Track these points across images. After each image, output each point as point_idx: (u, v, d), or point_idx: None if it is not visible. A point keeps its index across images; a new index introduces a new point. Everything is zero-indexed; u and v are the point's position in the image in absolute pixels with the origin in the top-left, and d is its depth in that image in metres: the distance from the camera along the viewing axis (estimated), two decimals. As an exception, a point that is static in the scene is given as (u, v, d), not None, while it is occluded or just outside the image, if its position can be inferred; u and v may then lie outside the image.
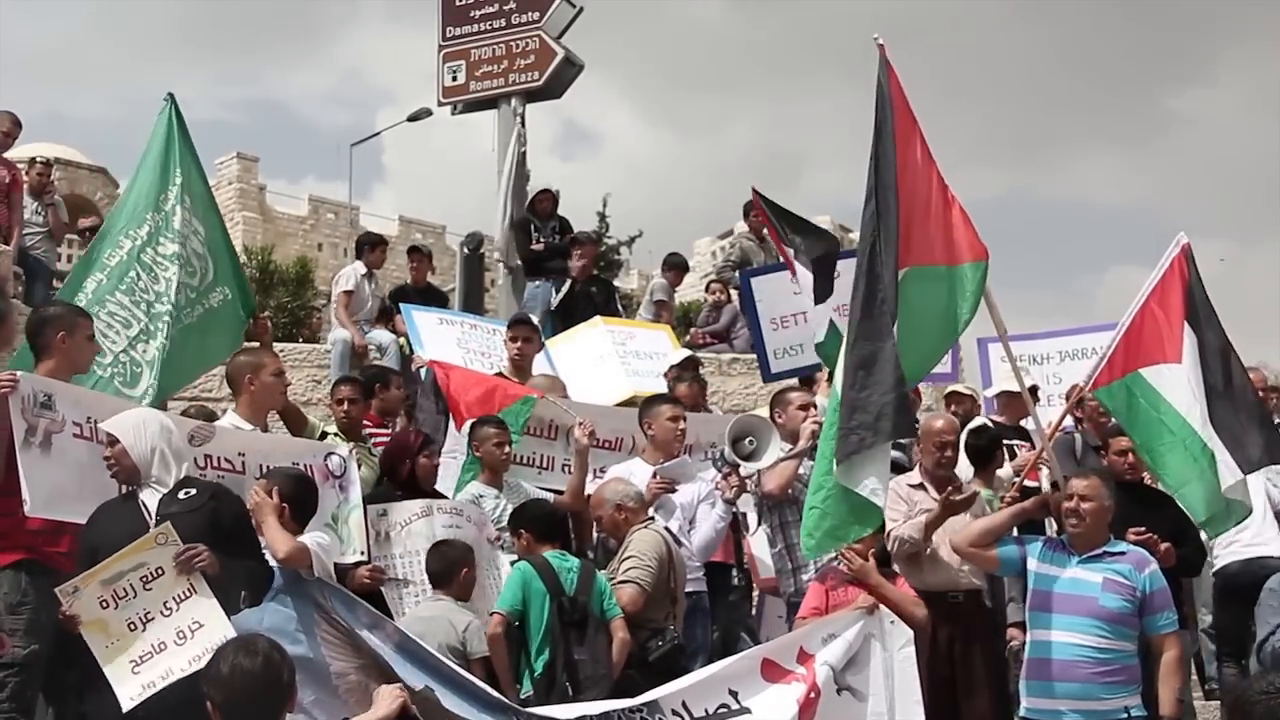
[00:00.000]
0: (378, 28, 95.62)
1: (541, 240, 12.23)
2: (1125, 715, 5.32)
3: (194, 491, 4.97)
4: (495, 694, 5.07)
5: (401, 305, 10.06)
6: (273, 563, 4.98)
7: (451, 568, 5.71)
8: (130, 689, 4.52)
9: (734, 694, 5.38)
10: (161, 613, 4.60)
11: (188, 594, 4.61)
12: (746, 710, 5.35)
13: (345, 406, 7.25)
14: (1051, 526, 6.83)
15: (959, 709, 6.20)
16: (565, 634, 5.48)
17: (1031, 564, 5.58)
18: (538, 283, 11.99)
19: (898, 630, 5.62)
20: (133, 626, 4.58)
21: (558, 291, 11.81)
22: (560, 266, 12.27)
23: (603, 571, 5.93)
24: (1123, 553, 5.52)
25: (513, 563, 6.00)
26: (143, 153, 7.05)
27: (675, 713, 5.25)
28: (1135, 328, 6.12)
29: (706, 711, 5.29)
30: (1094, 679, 5.34)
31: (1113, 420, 6.86)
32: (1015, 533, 5.97)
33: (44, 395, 5.34)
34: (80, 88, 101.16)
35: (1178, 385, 5.98)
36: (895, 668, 5.55)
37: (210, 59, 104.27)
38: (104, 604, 4.57)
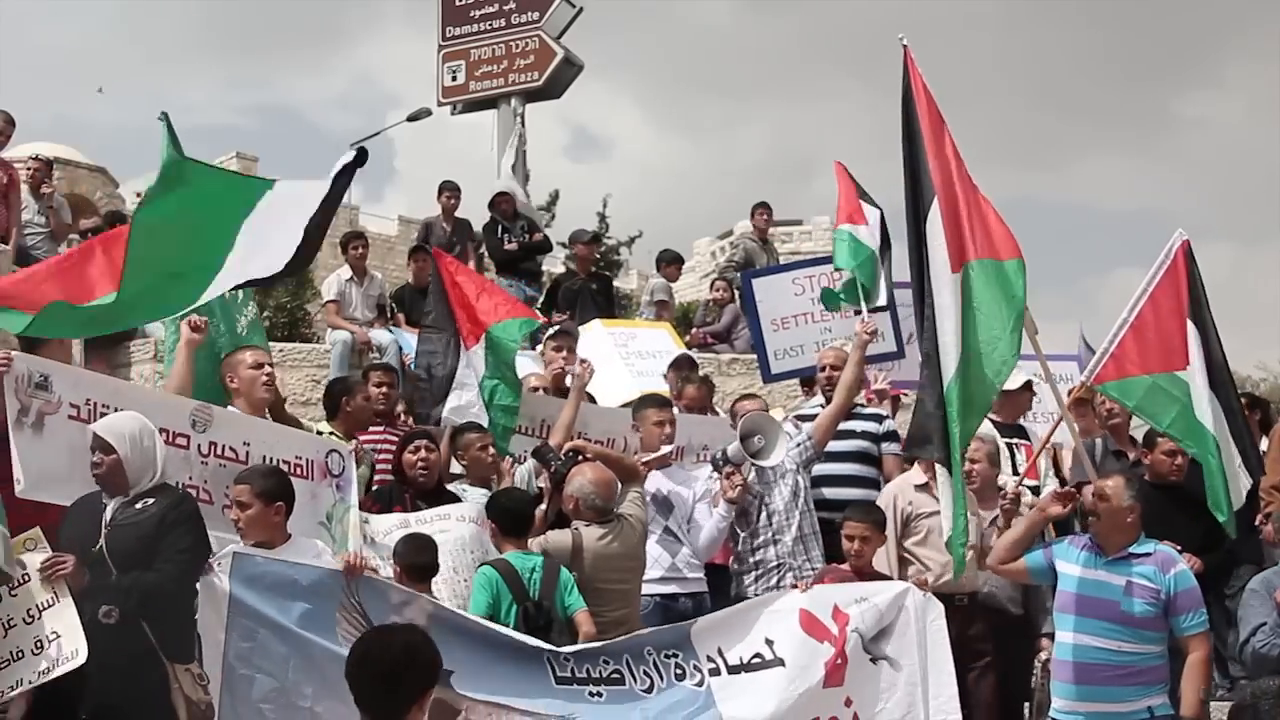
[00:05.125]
0: (395, 32, 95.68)
1: (513, 240, 12.47)
2: (1148, 715, 5.24)
3: (151, 501, 4.84)
4: (530, 640, 5.11)
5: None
6: (296, 562, 4.97)
7: (435, 559, 5.60)
8: None
9: (770, 643, 5.48)
10: (24, 620, 4.50)
11: (52, 603, 4.50)
12: (780, 662, 5.46)
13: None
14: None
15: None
16: None
17: (1058, 564, 5.49)
18: (510, 283, 12.01)
19: (930, 604, 5.81)
20: None
21: (533, 290, 12.09)
22: (534, 268, 12.60)
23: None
24: (1149, 554, 5.39)
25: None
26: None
27: (710, 659, 5.36)
28: (1146, 326, 6.11)
29: (741, 660, 5.42)
30: (1115, 681, 5.26)
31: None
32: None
33: (40, 375, 5.26)
34: (90, 91, 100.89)
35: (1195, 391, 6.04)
36: (929, 639, 5.71)
37: (223, 64, 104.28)
38: None
